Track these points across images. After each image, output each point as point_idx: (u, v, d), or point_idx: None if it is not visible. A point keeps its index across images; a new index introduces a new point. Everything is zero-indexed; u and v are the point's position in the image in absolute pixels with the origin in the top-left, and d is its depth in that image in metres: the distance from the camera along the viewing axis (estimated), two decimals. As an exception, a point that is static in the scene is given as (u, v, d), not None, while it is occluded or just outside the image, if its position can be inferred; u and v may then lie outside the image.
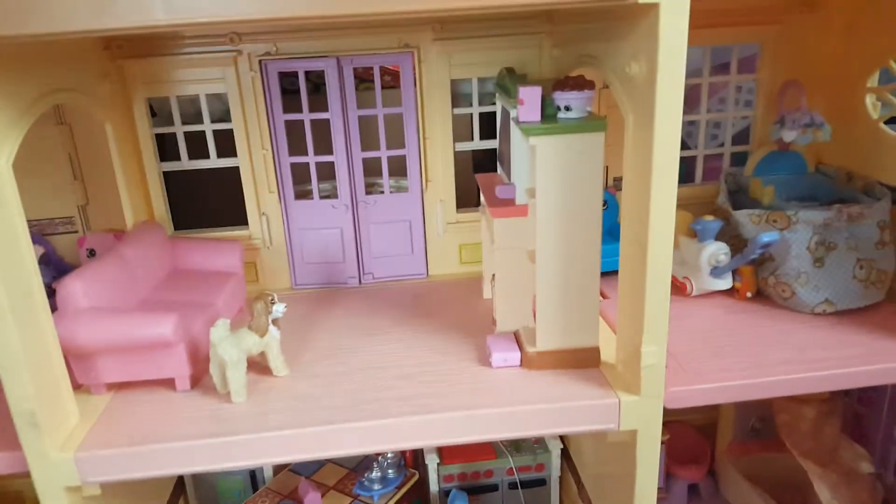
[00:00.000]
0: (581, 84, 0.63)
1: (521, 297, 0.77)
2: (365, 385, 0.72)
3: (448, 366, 0.75)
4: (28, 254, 0.61)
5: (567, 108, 0.64)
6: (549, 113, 0.66)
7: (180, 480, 1.02)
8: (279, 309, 0.73)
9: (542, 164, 0.65)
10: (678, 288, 0.87)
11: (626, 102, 0.61)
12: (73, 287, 0.70)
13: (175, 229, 0.99)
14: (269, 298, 0.73)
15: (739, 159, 1.00)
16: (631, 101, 0.60)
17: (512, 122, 0.71)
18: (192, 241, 0.94)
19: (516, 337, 0.77)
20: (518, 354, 0.73)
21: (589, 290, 0.70)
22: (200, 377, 0.75)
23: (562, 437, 1.04)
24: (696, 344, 0.76)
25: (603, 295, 0.87)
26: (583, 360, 0.72)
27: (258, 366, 0.76)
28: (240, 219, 0.99)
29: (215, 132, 0.95)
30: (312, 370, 0.76)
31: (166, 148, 0.97)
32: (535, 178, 0.66)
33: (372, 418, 0.66)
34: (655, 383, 0.65)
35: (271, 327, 0.73)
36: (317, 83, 0.96)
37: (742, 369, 0.70)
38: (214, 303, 0.82)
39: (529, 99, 0.63)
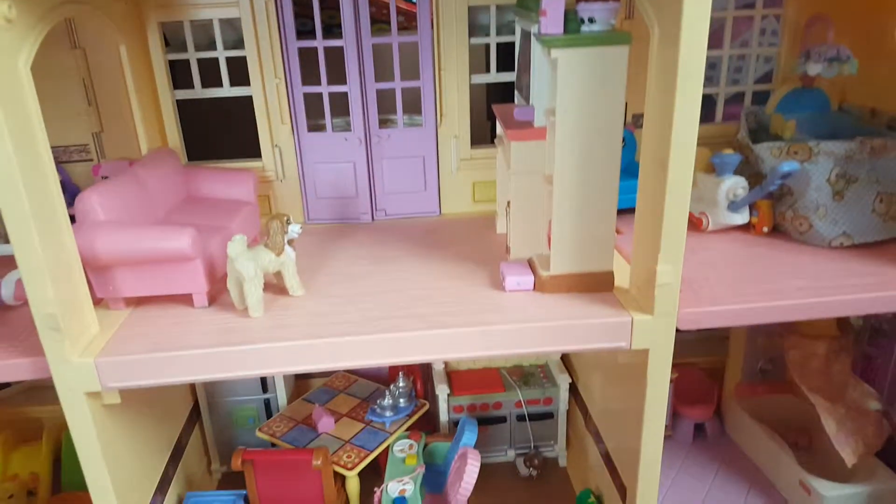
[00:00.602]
0: (606, -6, 0.62)
1: (536, 223, 0.76)
2: (379, 304, 0.73)
3: (462, 289, 0.76)
4: (47, 158, 0.61)
5: (591, 21, 0.62)
6: (572, 28, 0.64)
7: (195, 408, 1.05)
8: (295, 229, 0.74)
9: (564, 79, 0.64)
10: (694, 223, 0.87)
11: (651, 11, 0.60)
12: (91, 200, 0.71)
13: (188, 160, 0.99)
14: (285, 218, 0.73)
15: (761, 100, 0.99)
16: (657, 8, 0.59)
17: (533, 40, 0.70)
18: (206, 170, 0.93)
19: (530, 263, 0.77)
20: (531, 278, 0.74)
21: (605, 213, 0.70)
22: (217, 296, 0.76)
23: (570, 372, 1.05)
24: (710, 274, 0.75)
25: (617, 231, 0.87)
26: (596, 284, 0.72)
27: (275, 287, 0.77)
28: (253, 151, 0.98)
29: (228, 60, 0.94)
30: (328, 291, 0.77)
31: (179, 77, 0.96)
32: (556, 95, 0.65)
33: (386, 332, 0.67)
34: (669, 303, 0.65)
35: (287, 247, 0.74)
36: (329, 24, 0.95)
37: (756, 294, 0.70)
38: (229, 227, 0.82)
39: (553, 10, 0.62)
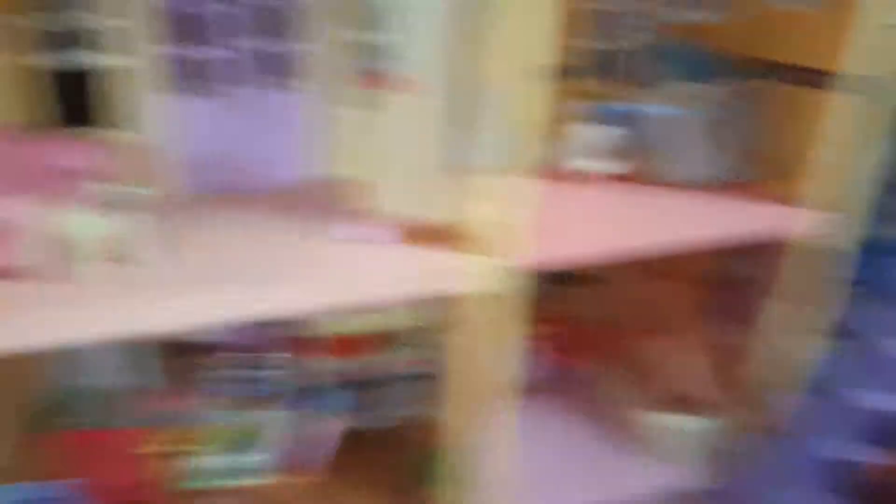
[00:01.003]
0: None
1: (387, 175, 0.73)
2: (209, 268, 0.67)
3: (308, 248, 0.71)
4: None
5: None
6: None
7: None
8: (133, 191, 0.68)
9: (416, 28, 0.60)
10: (567, 174, 0.85)
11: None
12: None
13: (52, 130, 0.91)
14: (126, 181, 0.68)
15: (649, 55, 0.97)
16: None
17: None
18: (51, 140, 0.86)
19: (375, 215, 0.74)
20: (373, 231, 0.71)
21: (452, 161, 0.67)
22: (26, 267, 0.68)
23: (445, 331, 1.02)
24: (567, 219, 0.74)
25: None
26: (442, 233, 0.69)
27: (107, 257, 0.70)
28: (118, 120, 0.91)
29: (90, 26, 0.86)
30: (165, 259, 0.70)
31: (41, 44, 0.88)
32: (410, 46, 0.61)
33: (197, 294, 0.62)
34: (506, 246, 0.63)
35: (118, 214, 0.68)
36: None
37: (605, 234, 0.68)
38: (68, 196, 0.75)
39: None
